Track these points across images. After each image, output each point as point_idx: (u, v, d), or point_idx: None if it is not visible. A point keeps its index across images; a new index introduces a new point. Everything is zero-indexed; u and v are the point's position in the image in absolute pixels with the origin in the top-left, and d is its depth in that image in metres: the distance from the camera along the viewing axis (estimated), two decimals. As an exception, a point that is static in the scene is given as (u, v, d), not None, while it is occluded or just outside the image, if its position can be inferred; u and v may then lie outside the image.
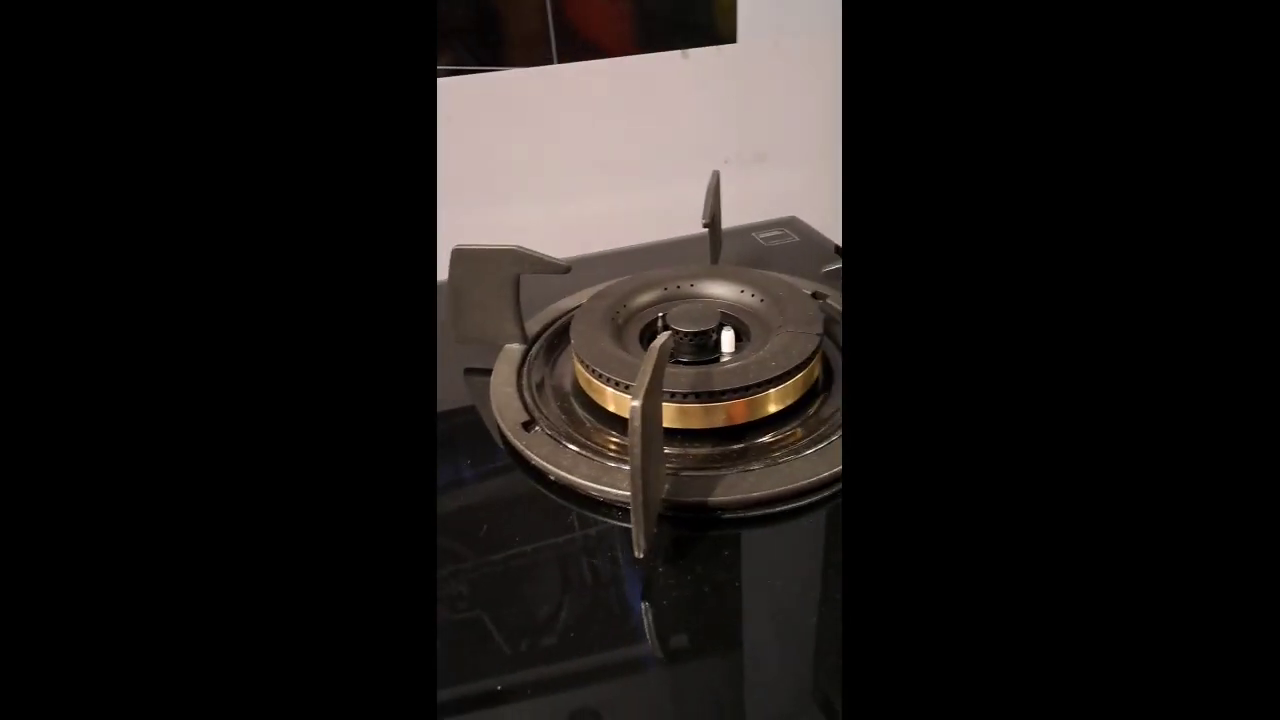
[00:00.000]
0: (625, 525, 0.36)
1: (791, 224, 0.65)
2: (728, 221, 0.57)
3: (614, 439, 0.41)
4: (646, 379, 0.31)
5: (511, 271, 0.46)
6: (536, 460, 0.39)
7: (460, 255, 0.46)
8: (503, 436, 0.41)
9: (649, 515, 0.33)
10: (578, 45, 0.63)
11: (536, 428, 0.41)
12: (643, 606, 0.33)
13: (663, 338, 0.34)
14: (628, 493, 0.36)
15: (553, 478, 0.38)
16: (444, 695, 0.30)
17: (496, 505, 0.39)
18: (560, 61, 0.62)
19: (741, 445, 0.40)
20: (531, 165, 0.66)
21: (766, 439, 0.40)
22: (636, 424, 0.30)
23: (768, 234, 0.63)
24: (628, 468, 0.38)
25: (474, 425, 0.44)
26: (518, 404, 0.43)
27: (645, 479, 0.31)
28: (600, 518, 0.37)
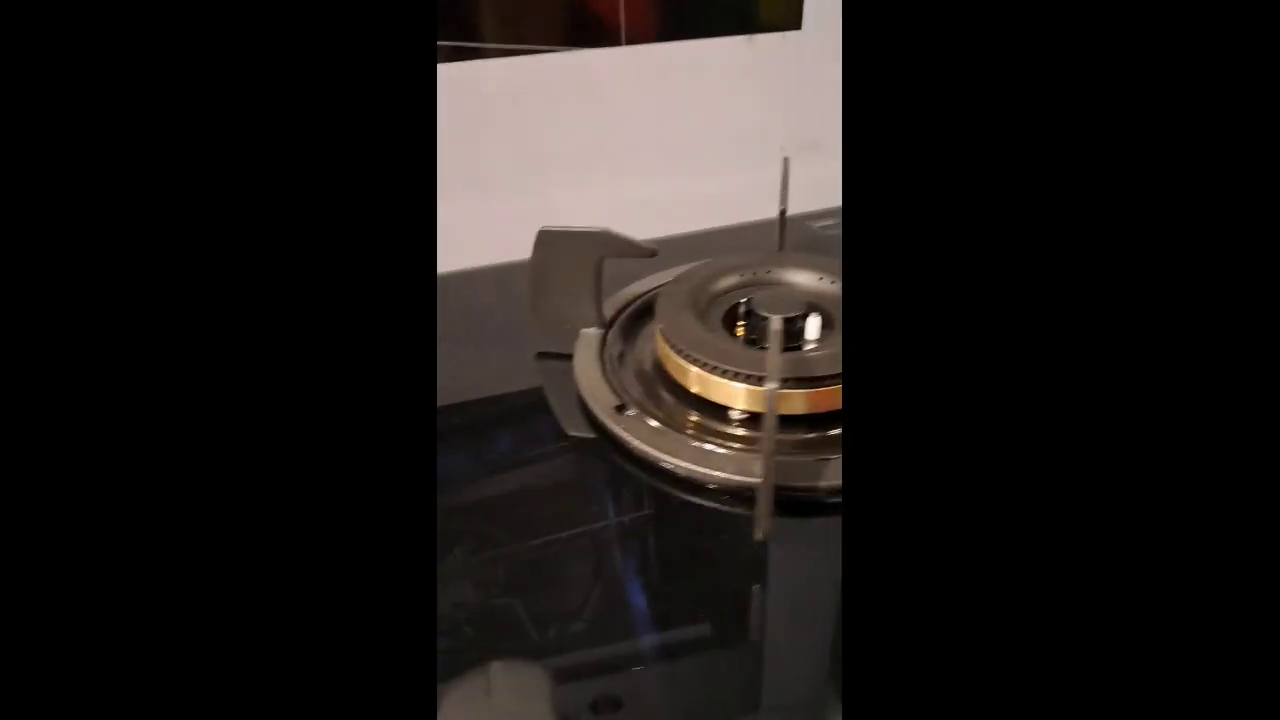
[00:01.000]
0: (726, 509, 0.37)
1: (845, 213, 0.65)
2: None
3: (694, 419, 0.41)
4: (778, 364, 0.31)
5: (596, 254, 0.46)
6: (635, 444, 0.39)
7: (545, 237, 0.46)
8: (593, 421, 0.41)
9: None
10: (593, 29, 0.62)
11: (629, 411, 0.41)
12: (755, 588, 0.34)
13: (777, 323, 0.34)
14: (731, 475, 0.37)
15: (648, 459, 0.39)
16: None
17: (585, 485, 0.40)
18: (576, 45, 0.61)
19: (839, 431, 0.40)
20: (583, 150, 0.65)
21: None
22: (773, 409, 0.30)
23: (824, 223, 0.63)
24: (721, 450, 0.38)
25: (550, 408, 0.44)
26: (606, 388, 0.43)
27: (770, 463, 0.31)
28: (694, 499, 0.37)
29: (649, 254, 0.45)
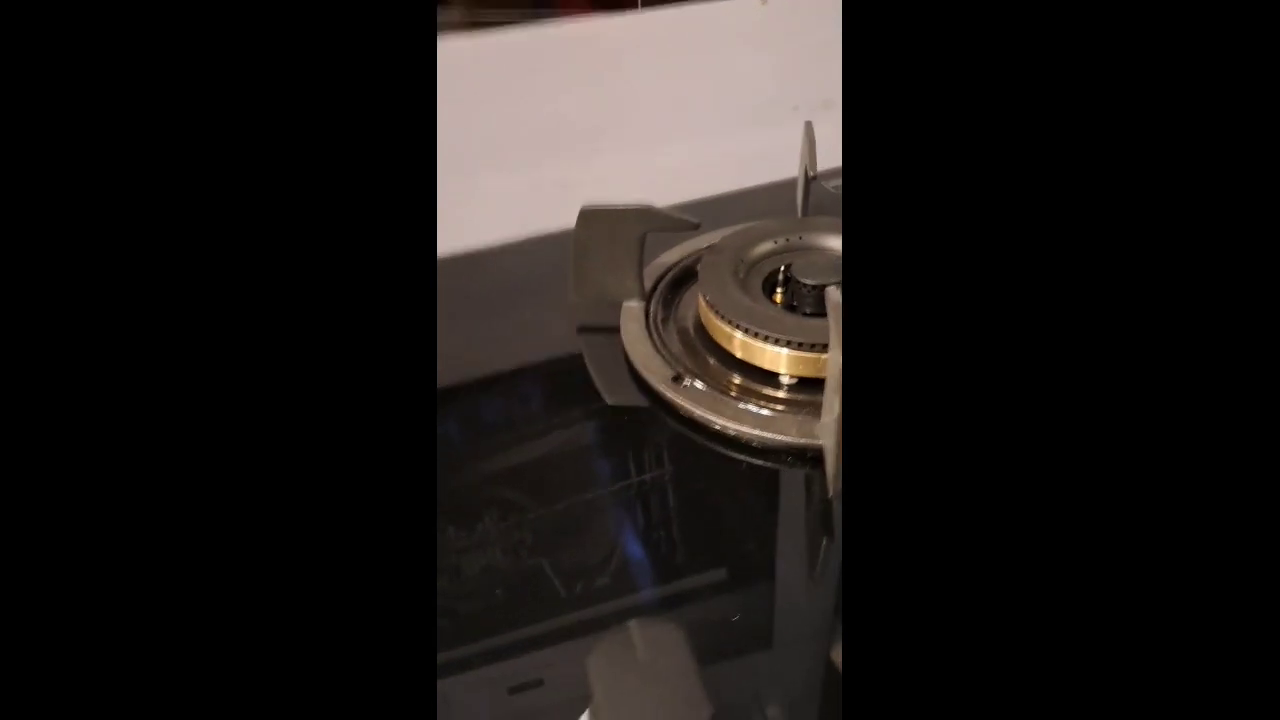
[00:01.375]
0: (772, 466, 0.40)
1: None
2: (795, 169, 0.58)
3: (737, 382, 0.44)
4: (840, 335, 0.33)
5: (639, 230, 0.47)
6: (697, 412, 0.41)
7: (587, 215, 0.47)
8: (649, 390, 0.44)
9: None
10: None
11: (686, 381, 0.43)
12: (825, 541, 0.37)
13: (836, 294, 0.36)
14: (794, 439, 0.39)
15: (705, 424, 0.41)
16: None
17: (647, 450, 0.42)
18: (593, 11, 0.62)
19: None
20: (602, 117, 0.66)
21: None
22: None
23: (838, 182, 0.65)
24: (769, 414, 0.40)
25: (592, 378, 0.47)
26: (659, 360, 0.45)
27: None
28: (753, 460, 0.40)
29: (692, 227, 0.47)
